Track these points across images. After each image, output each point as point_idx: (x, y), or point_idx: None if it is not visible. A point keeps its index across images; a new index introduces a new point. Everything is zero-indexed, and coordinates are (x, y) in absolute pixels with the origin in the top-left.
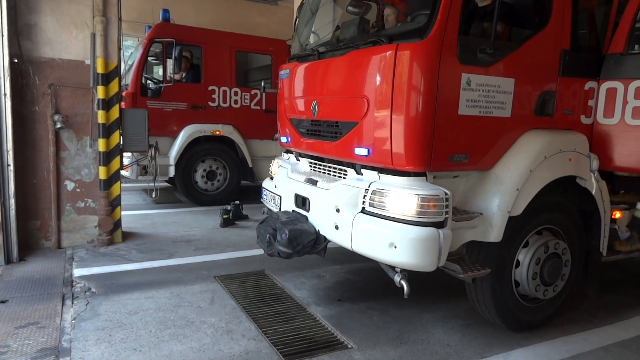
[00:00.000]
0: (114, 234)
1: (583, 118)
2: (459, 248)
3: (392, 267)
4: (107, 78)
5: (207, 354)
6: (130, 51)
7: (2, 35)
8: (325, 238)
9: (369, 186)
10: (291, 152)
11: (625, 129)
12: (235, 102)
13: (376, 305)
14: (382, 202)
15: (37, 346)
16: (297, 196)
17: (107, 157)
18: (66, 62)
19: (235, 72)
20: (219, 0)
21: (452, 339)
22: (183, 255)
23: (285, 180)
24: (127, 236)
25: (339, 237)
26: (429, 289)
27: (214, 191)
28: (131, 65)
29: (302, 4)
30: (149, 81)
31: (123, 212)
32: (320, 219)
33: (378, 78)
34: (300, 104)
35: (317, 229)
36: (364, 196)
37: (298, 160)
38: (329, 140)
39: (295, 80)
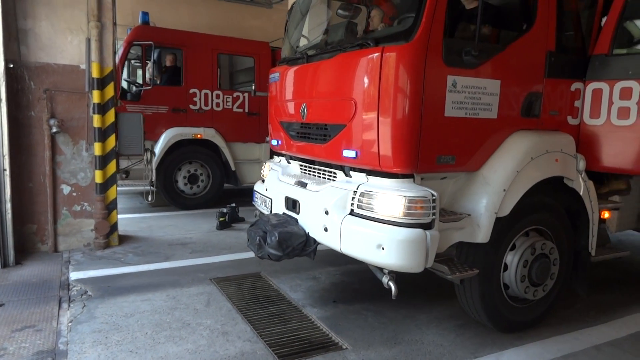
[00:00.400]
0: (110, 237)
1: (570, 119)
2: (449, 249)
3: (381, 269)
4: (102, 82)
5: (202, 356)
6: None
7: None
8: (314, 240)
9: (357, 188)
10: (283, 155)
11: (611, 129)
12: (217, 104)
13: (371, 307)
14: (370, 204)
15: (34, 349)
16: (287, 199)
17: (103, 161)
18: (61, 66)
19: (217, 74)
20: (214, 4)
21: (445, 339)
22: (179, 258)
23: (276, 183)
24: (123, 239)
25: (328, 239)
26: (424, 290)
27: (196, 195)
28: None
29: (292, 7)
30: (130, 84)
31: (119, 216)
32: (310, 222)
33: (365, 81)
34: (290, 107)
35: (306, 232)
36: (353, 198)
37: (289, 163)
38: (318, 142)
39: (285, 84)
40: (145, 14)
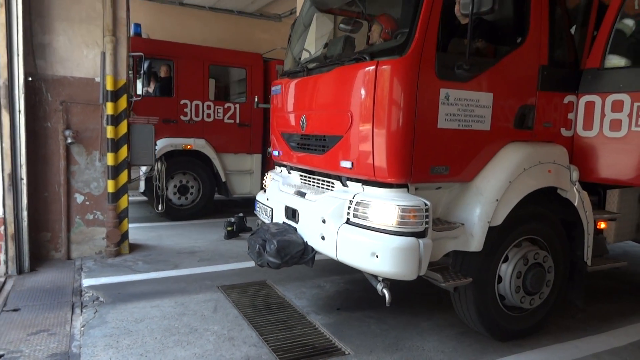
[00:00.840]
0: (121, 245)
1: (563, 130)
2: (444, 258)
3: (375, 276)
4: (116, 95)
5: (209, 359)
6: None
7: (18, 55)
8: (312, 249)
9: (353, 197)
10: (284, 166)
11: (604, 141)
12: (208, 115)
13: (374, 314)
14: (365, 213)
15: (48, 352)
16: (287, 208)
17: (115, 171)
18: (77, 79)
19: (209, 85)
20: (225, 18)
21: (446, 346)
22: (188, 266)
23: (276, 193)
24: (133, 248)
25: (325, 248)
26: (425, 298)
27: (186, 206)
28: None
29: (294, 22)
30: None
31: (130, 225)
32: (308, 230)
33: (360, 93)
34: (291, 119)
35: (305, 240)
36: (349, 207)
37: (290, 173)
38: (317, 153)
39: (286, 96)
40: (137, 25)
